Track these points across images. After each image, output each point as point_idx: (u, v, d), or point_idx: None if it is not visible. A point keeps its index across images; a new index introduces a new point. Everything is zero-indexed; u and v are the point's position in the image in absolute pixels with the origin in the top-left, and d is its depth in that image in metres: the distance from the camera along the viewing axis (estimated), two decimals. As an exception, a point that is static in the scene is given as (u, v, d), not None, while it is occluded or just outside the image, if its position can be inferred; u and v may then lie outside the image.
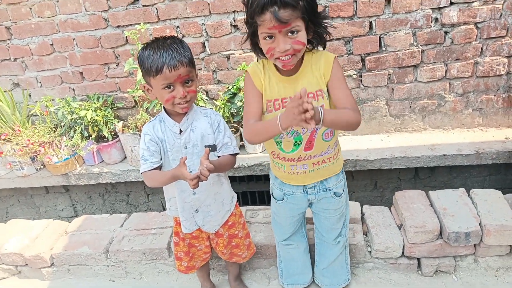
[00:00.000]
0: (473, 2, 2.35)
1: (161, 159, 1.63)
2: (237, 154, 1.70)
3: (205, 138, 1.62)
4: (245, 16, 1.37)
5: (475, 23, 2.40)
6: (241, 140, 2.74)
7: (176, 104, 1.49)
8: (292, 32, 1.30)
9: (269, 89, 1.49)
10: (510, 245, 1.91)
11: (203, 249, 1.87)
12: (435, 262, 1.98)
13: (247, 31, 1.42)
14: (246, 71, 1.55)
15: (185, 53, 1.45)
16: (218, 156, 1.67)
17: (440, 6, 2.37)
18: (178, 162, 1.56)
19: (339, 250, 1.85)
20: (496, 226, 1.85)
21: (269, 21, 1.26)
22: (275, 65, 1.47)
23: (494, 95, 2.59)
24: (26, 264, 2.34)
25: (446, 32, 2.45)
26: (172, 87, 1.46)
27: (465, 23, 2.40)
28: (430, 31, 2.45)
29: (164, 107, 1.61)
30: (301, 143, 1.53)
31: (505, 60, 2.47)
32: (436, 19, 2.42)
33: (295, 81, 1.46)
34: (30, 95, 2.99)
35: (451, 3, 2.36)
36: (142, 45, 1.52)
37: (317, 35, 1.40)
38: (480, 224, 1.89)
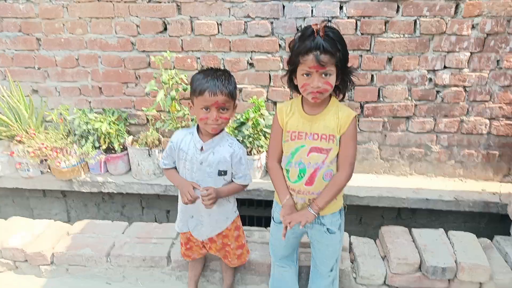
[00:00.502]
0: (463, 68, 2.69)
1: (174, 162, 1.91)
2: (248, 184, 1.95)
3: (221, 164, 1.83)
4: (289, 57, 1.66)
5: (464, 87, 2.73)
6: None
7: (208, 124, 1.73)
8: (326, 74, 1.57)
9: (290, 122, 1.75)
10: (480, 283, 2.12)
11: (199, 244, 2.06)
12: (413, 293, 2.16)
13: (288, 69, 1.69)
14: (276, 108, 1.82)
15: (228, 85, 1.70)
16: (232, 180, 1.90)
17: (435, 68, 2.70)
18: (189, 170, 1.84)
19: (328, 282, 2.00)
20: (469, 264, 2.06)
21: (310, 61, 1.54)
22: (302, 104, 1.74)
23: (475, 151, 2.88)
24: (26, 260, 2.42)
25: (438, 91, 2.76)
26: (208, 110, 1.70)
27: (455, 86, 2.73)
28: (424, 89, 2.76)
29: (197, 124, 1.85)
30: (304, 175, 1.74)
31: (487, 121, 2.79)
32: (430, 79, 2.74)
33: (314, 121, 1.71)
34: (46, 102, 3.16)
35: (445, 67, 2.70)
36: (199, 71, 1.78)
37: (343, 82, 1.68)
38: (455, 261, 2.10)
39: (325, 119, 1.69)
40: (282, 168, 1.81)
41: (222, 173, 1.84)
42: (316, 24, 1.56)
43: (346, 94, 1.78)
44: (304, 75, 1.59)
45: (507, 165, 2.91)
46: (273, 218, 1.98)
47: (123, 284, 2.36)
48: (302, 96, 1.73)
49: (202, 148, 1.80)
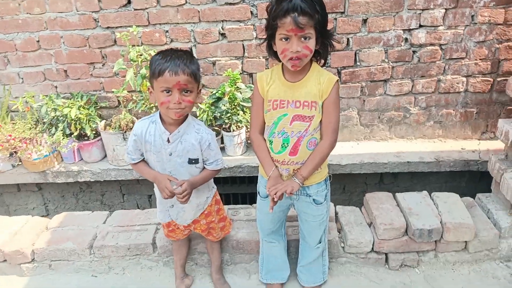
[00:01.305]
0: (439, 26, 2.64)
1: (142, 155, 1.79)
2: (221, 169, 1.88)
3: (191, 152, 1.75)
4: (266, 21, 1.58)
5: (440, 45, 2.69)
6: (222, 143, 2.87)
7: (170, 109, 1.60)
8: (305, 38, 1.50)
9: (271, 91, 1.68)
10: (465, 241, 2.16)
11: (181, 228, 2.01)
12: (400, 257, 2.19)
13: (266, 35, 1.61)
14: (256, 77, 1.75)
15: (190, 64, 1.58)
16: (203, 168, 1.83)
17: (411, 28, 2.65)
18: (159, 162, 1.75)
19: (317, 253, 2.01)
20: (455, 224, 2.09)
21: (288, 24, 1.46)
22: (282, 71, 1.67)
23: (453, 110, 2.89)
24: (5, 260, 2.32)
25: (414, 51, 2.72)
26: (170, 92, 1.58)
27: (431, 44, 2.69)
28: (400, 50, 2.71)
29: (159, 112, 1.73)
30: (288, 145, 1.69)
31: (464, 79, 2.78)
32: (406, 39, 2.69)
33: (296, 88, 1.64)
34: (9, 91, 2.98)
35: (420, 26, 2.64)
36: (157, 52, 1.65)
37: (323, 46, 1.61)
38: (441, 222, 2.12)
39: (307, 85, 1.63)
40: (265, 140, 1.75)
41: (193, 161, 1.76)
42: None
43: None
44: (283, 40, 1.52)
45: (484, 122, 2.94)
46: (258, 193, 1.94)
47: (110, 276, 2.30)
48: (283, 65, 1.66)
49: (168, 140, 1.70)
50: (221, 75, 2.81)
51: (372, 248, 2.20)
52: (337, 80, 1.64)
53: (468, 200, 2.39)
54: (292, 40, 1.50)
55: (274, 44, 1.60)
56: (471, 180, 2.97)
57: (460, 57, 2.72)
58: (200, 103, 1.75)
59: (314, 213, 1.86)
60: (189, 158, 1.75)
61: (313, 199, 1.81)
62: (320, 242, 1.97)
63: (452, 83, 2.80)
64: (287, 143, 1.69)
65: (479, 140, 2.97)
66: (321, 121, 1.66)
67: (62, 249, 2.28)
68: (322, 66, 1.70)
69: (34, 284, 2.29)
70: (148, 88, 1.68)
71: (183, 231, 2.03)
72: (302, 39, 1.50)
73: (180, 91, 1.58)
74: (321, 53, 1.65)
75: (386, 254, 2.22)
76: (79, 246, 2.27)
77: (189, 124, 1.73)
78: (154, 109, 2.73)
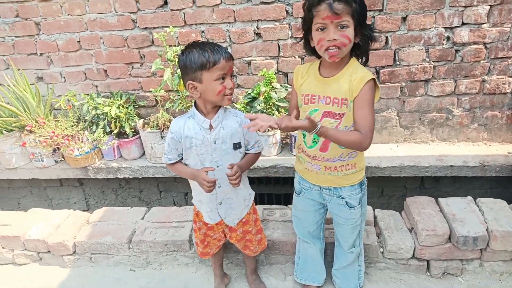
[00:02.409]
0: (483, 23, 2.52)
1: (179, 155, 1.78)
2: (261, 152, 1.88)
3: (234, 137, 1.74)
4: (302, 19, 1.56)
5: (484, 43, 2.57)
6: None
7: (226, 95, 1.61)
8: (342, 26, 1.45)
9: (304, 85, 1.68)
10: (514, 251, 2.05)
11: (218, 237, 1.99)
12: (443, 265, 2.11)
13: (303, 30, 1.59)
14: (295, 69, 1.75)
15: (226, 50, 1.61)
16: (246, 153, 1.81)
17: (453, 26, 2.54)
18: (204, 156, 1.73)
19: (352, 258, 1.96)
20: (502, 232, 1.99)
21: (324, 11, 1.43)
22: (319, 67, 1.64)
23: (499, 112, 2.75)
24: (49, 251, 2.42)
25: (457, 50, 2.61)
26: (223, 79, 1.59)
27: (475, 43, 2.57)
28: (442, 49, 2.61)
29: (194, 104, 1.72)
30: (318, 141, 1.66)
31: (510, 79, 2.64)
32: (448, 38, 2.58)
33: (328, 84, 1.60)
34: (52, 89, 3.09)
35: (463, 24, 2.53)
36: (182, 50, 1.63)
37: (363, 39, 1.54)
38: (487, 229, 2.03)
39: (339, 82, 1.57)
40: None
41: (237, 146, 1.76)
42: None
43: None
44: (319, 30, 1.48)
45: (533, 124, 2.78)
46: (295, 190, 1.93)
47: (147, 270, 2.35)
48: (321, 60, 1.63)
49: (211, 126, 1.70)
50: (256, 74, 2.80)
51: (413, 255, 2.13)
52: (372, 79, 1.54)
53: (516, 207, 2.27)
54: (328, 28, 1.46)
55: (311, 40, 1.57)
56: (519, 185, 2.82)
57: (507, 56, 2.58)
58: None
59: (346, 216, 1.81)
60: (233, 144, 1.75)
61: (346, 202, 1.76)
62: (354, 247, 1.92)
63: (498, 84, 2.66)
64: (317, 139, 1.66)
65: (527, 143, 2.82)
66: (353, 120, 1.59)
67: (102, 242, 2.34)
68: (364, 64, 1.64)
69: (75, 275, 2.37)
70: (189, 85, 1.61)
71: (218, 242, 2.00)
72: (339, 27, 1.45)
73: (230, 75, 1.63)
74: (362, 46, 1.57)
75: (427, 261, 2.14)
76: (118, 240, 2.33)
77: (225, 110, 1.74)
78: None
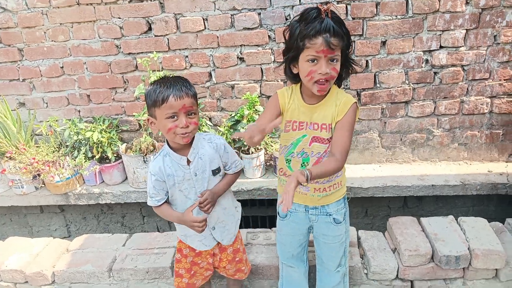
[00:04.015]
0: (460, 47, 2.60)
1: (166, 194, 1.75)
2: (242, 169, 1.89)
3: (212, 163, 1.74)
4: (288, 43, 1.54)
5: (462, 66, 2.65)
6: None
7: (178, 134, 1.57)
8: (333, 60, 1.47)
9: (290, 111, 1.66)
10: (496, 269, 2.05)
11: (205, 266, 1.93)
12: (427, 284, 2.10)
13: (287, 56, 1.57)
14: (276, 92, 1.71)
15: (190, 87, 1.59)
16: (225, 173, 1.82)
17: (431, 49, 2.61)
18: (187, 190, 1.72)
19: (338, 278, 1.92)
20: (483, 251, 2.00)
21: (320, 45, 1.43)
22: (301, 93, 1.64)
23: (478, 131, 2.81)
24: (26, 282, 2.34)
25: (435, 73, 2.68)
26: (175, 117, 1.56)
27: (453, 65, 2.65)
28: (421, 71, 2.68)
29: (167, 142, 1.71)
30: (308, 164, 1.67)
31: (488, 100, 2.71)
32: (427, 61, 2.65)
33: (313, 111, 1.62)
34: (34, 115, 3.06)
35: (441, 47, 2.61)
36: (151, 82, 1.64)
37: (346, 69, 1.59)
38: (469, 248, 2.03)
39: (324, 108, 1.60)
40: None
41: (216, 171, 1.75)
42: (321, 5, 1.46)
43: (342, 83, 1.68)
44: (309, 62, 1.48)
45: (511, 143, 2.83)
46: (278, 213, 1.91)
47: (128, 299, 2.28)
48: (301, 85, 1.64)
49: (188, 162, 1.69)
50: (240, 98, 2.83)
51: (397, 275, 2.11)
52: (355, 102, 1.59)
53: (497, 225, 2.29)
54: (320, 61, 1.46)
55: (294, 67, 1.58)
56: (500, 204, 2.85)
57: (484, 77, 2.66)
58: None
59: (334, 233, 1.80)
60: (212, 170, 1.74)
61: (333, 218, 1.76)
62: (340, 266, 1.89)
63: (476, 104, 2.73)
64: (307, 162, 1.67)
65: (506, 162, 2.86)
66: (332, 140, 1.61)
67: (82, 271, 2.27)
68: (340, 86, 1.68)
69: (53, 307, 2.29)
70: (148, 120, 1.63)
71: (205, 272, 1.96)
72: (330, 61, 1.47)
73: (186, 114, 1.57)
74: (342, 77, 1.62)
75: (411, 281, 2.12)
76: (98, 268, 2.27)
77: (198, 138, 1.72)
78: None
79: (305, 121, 1.64)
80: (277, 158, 2.70)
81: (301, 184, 1.40)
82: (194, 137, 1.70)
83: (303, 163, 1.67)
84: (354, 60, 1.61)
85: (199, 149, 1.71)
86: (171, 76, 1.64)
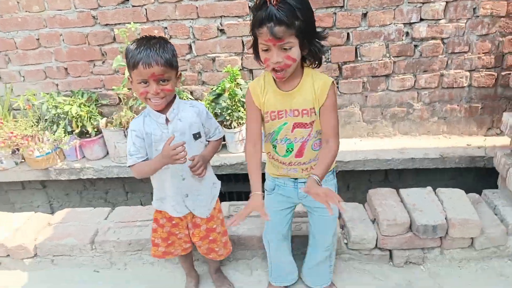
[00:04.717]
0: (440, 19, 2.60)
1: (146, 154, 1.71)
2: (223, 136, 1.91)
3: (193, 127, 1.72)
4: (251, 34, 1.50)
5: (442, 39, 2.65)
6: (223, 140, 2.85)
7: (148, 99, 1.58)
8: (285, 48, 1.42)
9: (267, 101, 1.61)
10: (472, 238, 2.12)
11: (183, 238, 1.93)
12: (405, 254, 2.16)
13: (252, 43, 1.53)
14: (248, 88, 1.65)
15: (163, 53, 1.53)
16: (208, 141, 1.82)
17: (411, 21, 2.61)
18: None
19: (326, 255, 1.93)
20: (460, 220, 2.06)
21: (265, 35, 1.39)
22: (274, 80, 1.58)
23: (457, 105, 2.85)
24: (8, 255, 2.33)
25: (415, 46, 2.69)
26: (147, 83, 1.55)
27: (433, 38, 2.65)
28: (401, 44, 2.68)
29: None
30: (293, 150, 1.65)
31: (467, 73, 2.74)
32: (407, 33, 2.65)
33: (292, 96, 1.57)
34: (12, 89, 2.98)
35: (421, 19, 2.61)
36: (132, 41, 1.60)
37: (311, 52, 1.52)
38: (446, 218, 2.09)
39: (302, 93, 1.56)
40: (259, 152, 1.65)
41: (197, 136, 1.74)
42: None
43: (323, 58, 1.62)
44: (263, 51, 1.45)
45: (490, 117, 2.89)
46: (266, 189, 1.85)
47: (112, 271, 2.30)
48: None
49: (167, 120, 1.67)
50: (221, 71, 2.79)
51: (376, 245, 2.17)
52: (333, 82, 1.56)
53: (474, 196, 2.35)
54: (271, 50, 1.42)
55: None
56: (478, 177, 2.92)
57: (463, 51, 2.68)
58: (179, 87, 1.68)
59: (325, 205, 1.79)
60: (193, 134, 1.73)
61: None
62: (331, 244, 1.90)
63: (456, 78, 2.76)
64: (292, 148, 1.65)
65: (485, 136, 2.92)
66: (321, 125, 1.60)
67: (64, 244, 2.28)
68: (319, 66, 1.61)
69: (37, 279, 2.29)
70: (129, 78, 1.64)
71: (184, 244, 1.95)
72: (283, 49, 1.42)
73: (157, 81, 1.55)
74: (311, 59, 1.56)
75: (390, 250, 2.19)
76: (80, 241, 2.27)
77: (180, 102, 1.71)
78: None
79: (284, 109, 1.59)
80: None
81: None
82: (174, 97, 1.69)
83: (288, 148, 1.66)
84: (322, 37, 1.52)
85: (179, 111, 1.69)
86: (152, 36, 1.60)
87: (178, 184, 1.77)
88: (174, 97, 1.70)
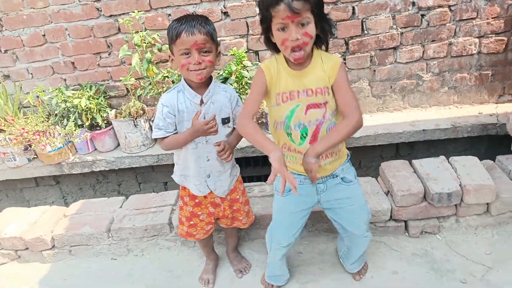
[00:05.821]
0: (446, -14, 2.55)
1: (174, 130, 1.73)
2: None
3: (223, 112, 1.74)
4: (260, 14, 1.48)
5: (449, 6, 2.60)
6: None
7: (191, 70, 1.59)
8: (303, 24, 1.40)
9: (278, 83, 1.55)
10: (487, 204, 2.09)
11: (206, 220, 1.94)
12: (420, 224, 2.14)
13: (262, 28, 1.51)
14: (260, 66, 1.60)
15: (205, 25, 1.57)
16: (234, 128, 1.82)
17: (417, -10, 2.57)
18: None
19: (367, 241, 1.86)
20: (475, 186, 2.03)
21: (283, 11, 1.36)
22: (286, 61, 1.55)
23: (467, 74, 2.80)
24: (27, 248, 2.37)
25: (422, 15, 2.64)
26: (189, 54, 1.57)
27: (439, 6, 2.60)
28: (408, 15, 2.63)
29: (184, 79, 1.71)
30: (307, 135, 1.59)
31: (476, 40, 2.69)
32: (413, 3, 2.61)
33: (304, 76, 1.54)
34: (21, 87, 3.02)
35: (427, -13, 2.56)
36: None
37: (323, 31, 1.49)
38: (460, 185, 2.06)
39: (314, 71, 1.53)
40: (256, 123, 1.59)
41: (226, 121, 1.75)
42: None
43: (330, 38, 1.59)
44: (280, 30, 1.42)
45: (501, 84, 2.83)
46: (279, 192, 1.72)
47: (129, 258, 2.32)
48: None
49: (201, 101, 1.69)
50: (227, 55, 2.78)
51: (391, 216, 2.15)
52: (342, 62, 1.54)
53: (488, 162, 2.31)
54: (290, 28, 1.39)
55: (272, 36, 1.49)
56: (491, 145, 2.87)
57: (471, 17, 2.63)
58: (218, 65, 1.68)
59: (346, 195, 1.70)
60: (222, 118, 1.74)
61: (341, 178, 1.68)
62: (367, 231, 1.82)
63: (464, 46, 2.70)
64: (306, 133, 1.58)
65: (496, 103, 2.87)
66: (336, 105, 1.56)
67: (81, 234, 2.30)
68: (326, 49, 1.58)
69: (56, 269, 2.33)
70: (169, 56, 1.67)
71: (206, 226, 1.96)
72: (300, 25, 1.40)
73: (199, 51, 1.57)
74: (322, 38, 1.52)
75: (405, 221, 2.17)
76: (97, 230, 2.29)
77: (215, 84, 1.73)
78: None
79: (297, 89, 1.54)
80: (268, 114, 2.70)
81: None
82: (211, 79, 1.70)
83: (302, 134, 1.59)
84: (329, 19, 1.50)
85: (213, 94, 1.71)
86: (192, 13, 1.63)
87: (202, 164, 1.79)
88: (210, 79, 1.71)
